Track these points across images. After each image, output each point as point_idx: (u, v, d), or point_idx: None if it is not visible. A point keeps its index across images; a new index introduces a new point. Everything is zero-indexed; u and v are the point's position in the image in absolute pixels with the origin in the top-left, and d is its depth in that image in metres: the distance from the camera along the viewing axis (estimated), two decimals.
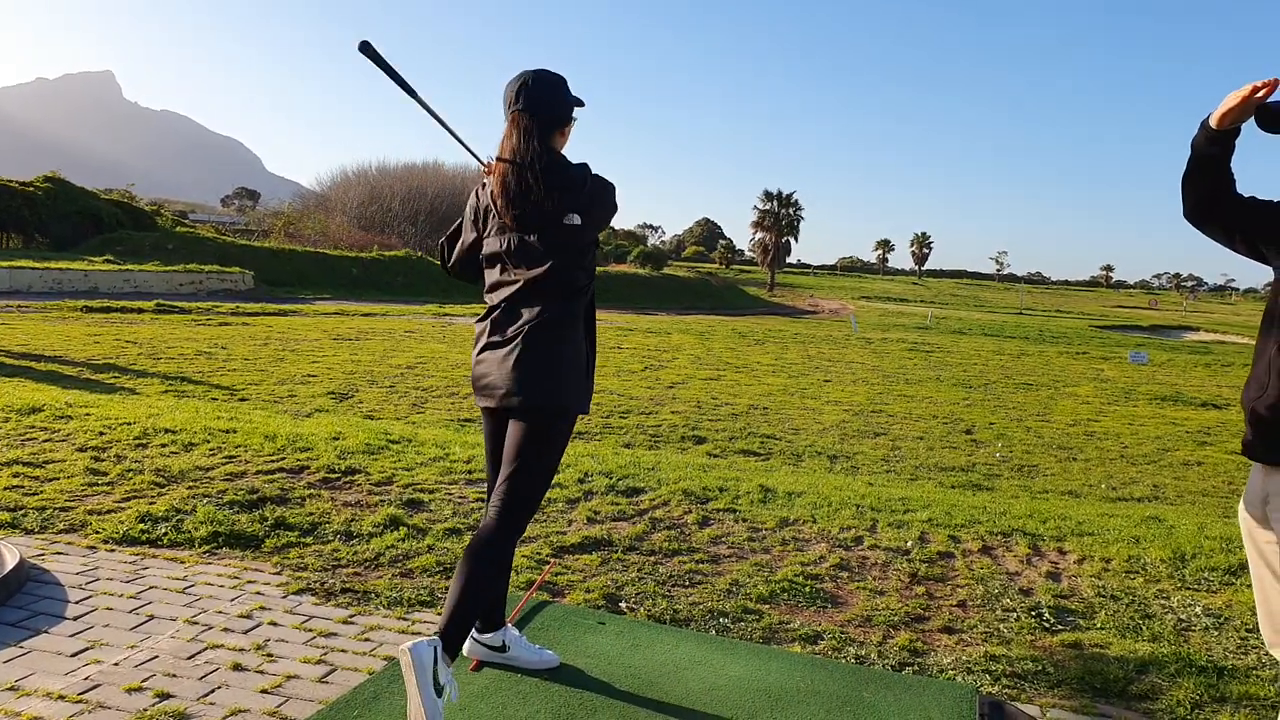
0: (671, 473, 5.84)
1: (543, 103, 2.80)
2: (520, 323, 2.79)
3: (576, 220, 2.79)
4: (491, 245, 2.88)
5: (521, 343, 2.77)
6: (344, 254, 39.17)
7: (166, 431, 6.16)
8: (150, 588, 3.64)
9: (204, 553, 4.08)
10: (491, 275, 2.91)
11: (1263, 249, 2.35)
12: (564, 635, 3.32)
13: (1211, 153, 2.31)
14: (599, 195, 2.84)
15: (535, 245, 2.78)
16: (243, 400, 9.23)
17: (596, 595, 3.79)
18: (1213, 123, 2.27)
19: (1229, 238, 2.40)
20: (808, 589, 3.98)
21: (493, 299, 2.90)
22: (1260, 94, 2.16)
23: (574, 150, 2.94)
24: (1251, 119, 2.22)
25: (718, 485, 5.54)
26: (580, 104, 2.91)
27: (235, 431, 6.26)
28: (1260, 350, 2.30)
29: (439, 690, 2.45)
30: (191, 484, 5.01)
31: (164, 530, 4.27)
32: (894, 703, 2.95)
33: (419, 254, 40.22)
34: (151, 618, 3.36)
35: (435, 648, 2.49)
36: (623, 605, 3.74)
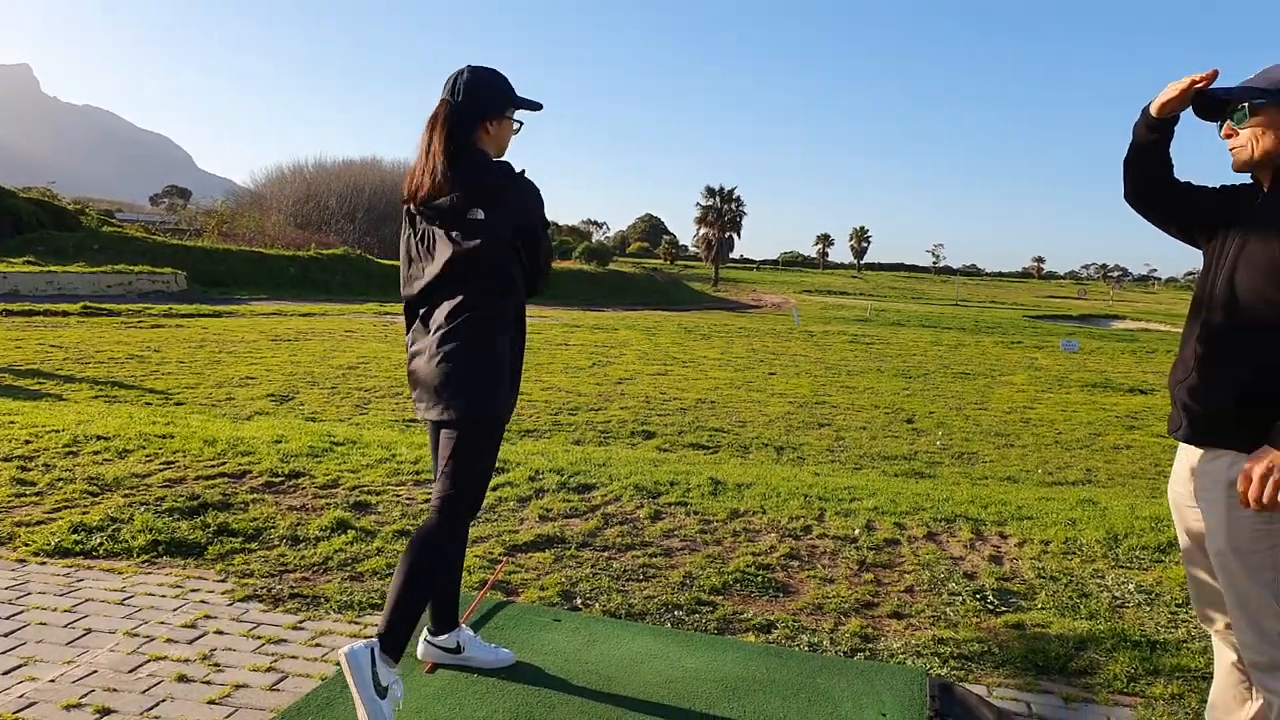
0: (622, 468, 5.85)
1: (467, 94, 2.72)
2: (434, 328, 2.71)
3: (480, 215, 2.69)
4: (405, 242, 2.85)
5: (437, 347, 2.69)
6: (281, 253, 38.44)
7: (98, 438, 5.98)
8: (86, 600, 3.52)
9: (143, 562, 3.97)
10: (403, 272, 2.87)
11: (1194, 233, 2.45)
12: (519, 633, 3.30)
13: (1151, 139, 2.40)
14: (511, 193, 2.71)
15: (444, 241, 2.71)
16: (179, 404, 9.01)
17: (551, 593, 3.78)
18: (1153, 110, 2.35)
19: (1164, 221, 2.50)
20: (760, 579, 4.01)
21: (408, 295, 2.84)
22: (1199, 85, 2.24)
23: (523, 148, 2.91)
24: (1190, 108, 2.31)
25: (668, 479, 5.56)
26: (528, 106, 2.83)
27: (172, 437, 6.10)
28: (1187, 334, 2.39)
29: (382, 692, 2.45)
30: (127, 492, 4.87)
31: (99, 540, 4.13)
32: (847, 688, 2.99)
33: (358, 252, 39.67)
34: (89, 631, 3.25)
35: (372, 649, 2.48)
36: (577, 601, 3.73)
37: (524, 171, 2.76)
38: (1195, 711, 2.92)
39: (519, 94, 2.83)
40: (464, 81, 2.73)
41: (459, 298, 2.70)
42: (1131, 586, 4.05)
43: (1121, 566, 4.34)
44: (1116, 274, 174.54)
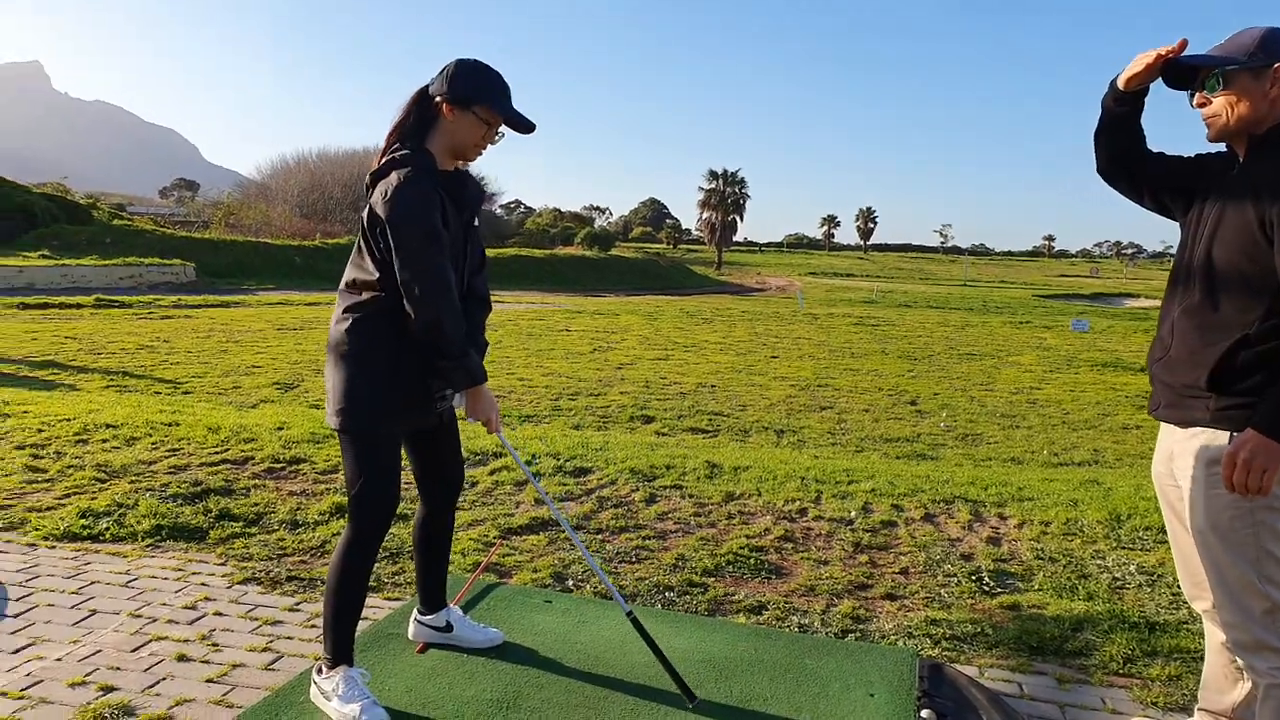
0: (619, 452, 5.87)
1: (440, 74, 2.62)
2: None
3: (364, 213, 2.59)
4: None
5: (327, 355, 2.66)
6: (286, 243, 38.65)
7: (107, 427, 6.06)
8: (92, 583, 3.60)
9: (147, 546, 4.04)
10: None
11: (1168, 203, 2.41)
12: (511, 614, 3.34)
13: (1120, 112, 2.37)
14: (385, 194, 2.51)
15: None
16: (186, 394, 9.08)
17: (544, 574, 3.82)
18: (1120, 84, 2.32)
19: (1137, 193, 2.46)
20: (752, 561, 4.04)
21: None
22: (1167, 57, 2.20)
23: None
24: (1160, 79, 2.28)
25: (665, 463, 5.58)
26: (510, 119, 2.62)
27: (178, 425, 6.18)
28: (1165, 310, 2.36)
29: (326, 695, 2.62)
30: (134, 478, 4.95)
31: (106, 525, 4.22)
32: (835, 669, 3.01)
33: None
34: (94, 613, 3.33)
35: (313, 671, 2.71)
36: (569, 583, 3.77)
37: (410, 172, 2.51)
38: (1192, 693, 2.90)
39: (516, 110, 2.64)
40: (448, 65, 2.63)
41: (343, 301, 2.65)
42: (1133, 568, 4.03)
43: (1123, 548, 4.31)
44: (1130, 251, 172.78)
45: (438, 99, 2.60)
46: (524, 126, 2.66)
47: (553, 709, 2.69)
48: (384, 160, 2.59)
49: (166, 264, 29.50)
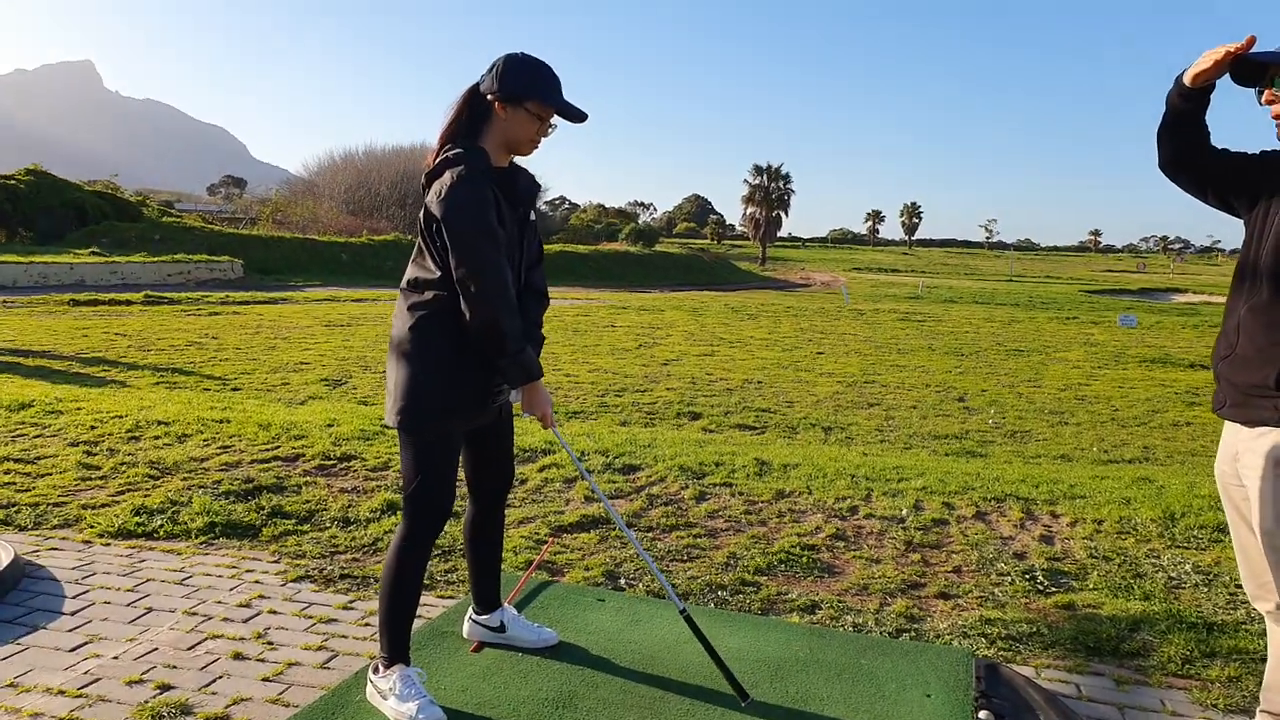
0: (667, 449, 5.86)
1: (490, 70, 2.61)
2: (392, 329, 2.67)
3: (422, 213, 2.57)
4: None
5: (389, 353, 2.66)
6: (333, 239, 39.08)
7: (159, 423, 6.15)
8: (147, 580, 3.65)
9: (201, 543, 4.09)
10: None
11: (1232, 201, 2.38)
12: (564, 613, 3.34)
13: (1186, 108, 2.33)
14: (439, 193, 2.50)
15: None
16: (235, 390, 9.20)
17: (596, 573, 3.82)
18: (1186, 80, 2.29)
19: (1201, 190, 2.43)
20: (805, 559, 4.01)
21: None
22: (1236, 53, 2.17)
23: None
24: (1227, 75, 2.24)
25: (714, 460, 5.56)
26: (562, 109, 2.62)
27: (229, 421, 6.25)
28: (1230, 308, 2.34)
29: (383, 694, 2.61)
30: (186, 475, 5.01)
31: (160, 522, 4.27)
32: (891, 669, 2.98)
33: (409, 238, 40.14)
34: (150, 610, 3.37)
35: (369, 670, 2.70)
36: (621, 582, 3.77)
37: (463, 170, 2.51)
38: (1252, 694, 2.86)
39: (567, 100, 2.63)
40: (490, 67, 2.62)
41: (404, 297, 2.64)
42: (1188, 567, 3.98)
43: (1178, 546, 4.26)
44: (1177, 246, 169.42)
45: (489, 97, 2.60)
46: (576, 116, 2.66)
47: (608, 709, 2.68)
48: (438, 160, 2.59)
49: (215, 261, 29.94)
